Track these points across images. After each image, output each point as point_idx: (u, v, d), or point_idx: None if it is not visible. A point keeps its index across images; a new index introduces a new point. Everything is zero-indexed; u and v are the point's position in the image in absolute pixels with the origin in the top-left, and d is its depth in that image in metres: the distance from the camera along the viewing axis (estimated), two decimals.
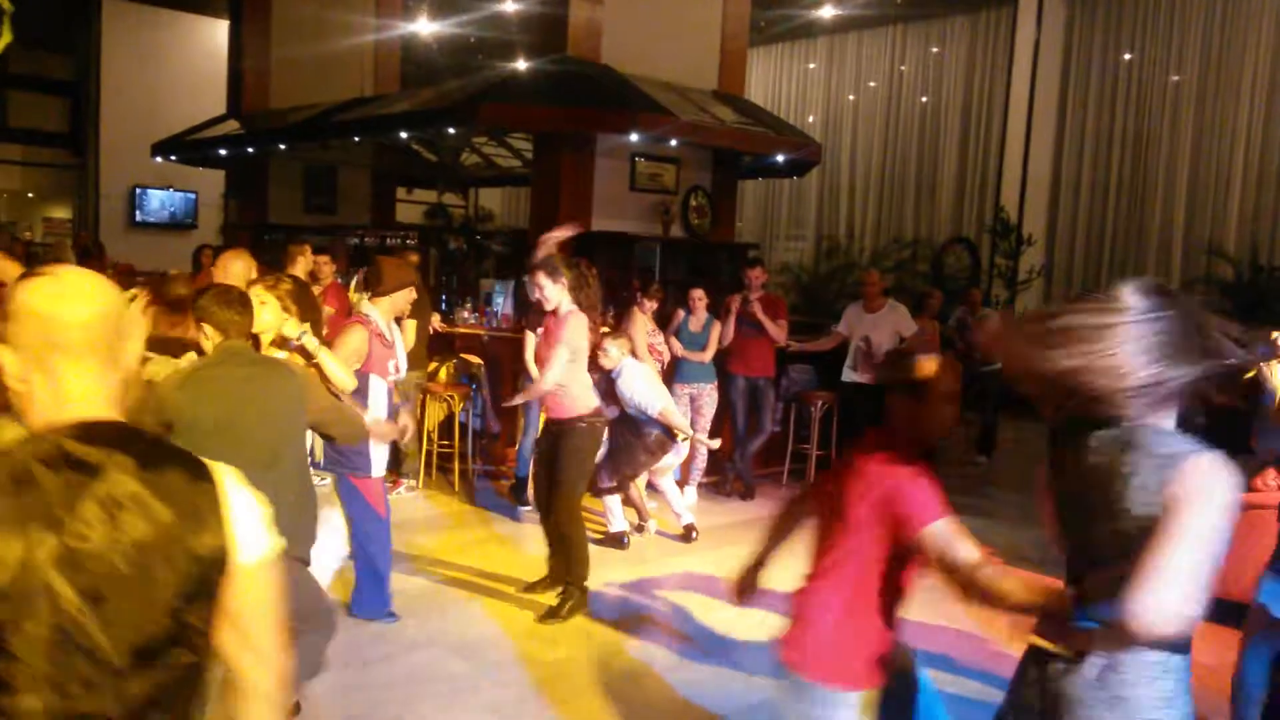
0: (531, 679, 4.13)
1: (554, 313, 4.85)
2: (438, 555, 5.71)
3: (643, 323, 6.82)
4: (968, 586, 2.19)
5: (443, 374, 7.78)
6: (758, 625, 4.90)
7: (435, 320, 7.72)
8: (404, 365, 4.76)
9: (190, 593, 1.33)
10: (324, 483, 4.27)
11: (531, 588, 5.11)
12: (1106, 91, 13.49)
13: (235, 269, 5.14)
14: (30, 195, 18.12)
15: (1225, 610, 4.91)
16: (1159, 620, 1.71)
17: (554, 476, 4.85)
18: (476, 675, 4.14)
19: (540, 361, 5.03)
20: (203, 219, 16.93)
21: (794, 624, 2.51)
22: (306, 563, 3.31)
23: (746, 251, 10.28)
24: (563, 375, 4.76)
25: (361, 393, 4.25)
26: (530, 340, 6.56)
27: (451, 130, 10.09)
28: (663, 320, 7.19)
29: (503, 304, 9.19)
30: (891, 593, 2.43)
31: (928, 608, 4.07)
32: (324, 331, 4.11)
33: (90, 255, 10.28)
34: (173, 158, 13.40)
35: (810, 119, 16.59)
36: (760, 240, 16.27)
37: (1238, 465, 1.83)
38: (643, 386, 5.71)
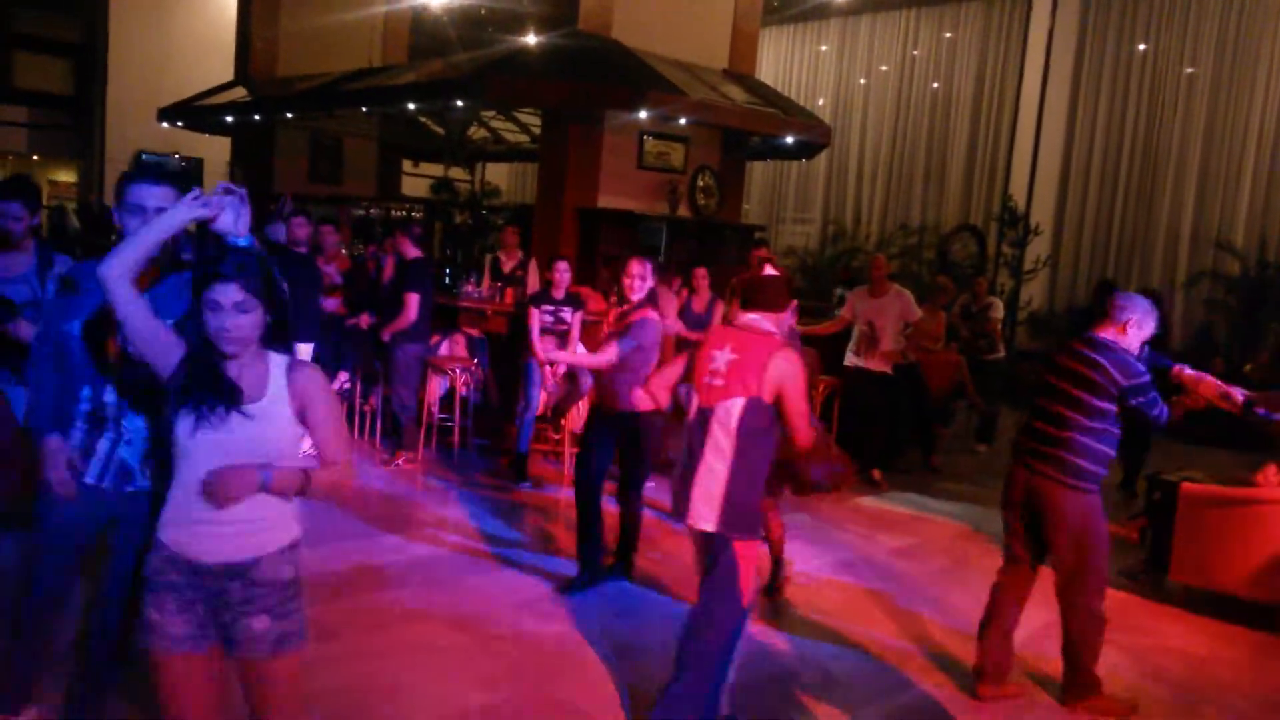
0: (526, 652, 4.14)
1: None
2: (435, 528, 5.72)
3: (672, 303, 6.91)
4: None
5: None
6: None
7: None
8: None
9: None
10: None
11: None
12: (1119, 82, 13.40)
13: None
14: (35, 158, 18.03)
15: (1220, 602, 4.92)
16: None
17: (640, 464, 4.87)
18: (471, 647, 4.15)
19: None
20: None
21: None
22: None
23: (753, 233, 10.25)
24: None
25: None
26: (535, 317, 6.57)
27: (459, 103, 10.05)
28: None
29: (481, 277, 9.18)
30: None
31: None
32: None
33: (98, 219, 10.26)
34: (179, 123, 13.35)
35: (820, 101, 16.48)
36: (766, 222, 16.23)
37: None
38: None
